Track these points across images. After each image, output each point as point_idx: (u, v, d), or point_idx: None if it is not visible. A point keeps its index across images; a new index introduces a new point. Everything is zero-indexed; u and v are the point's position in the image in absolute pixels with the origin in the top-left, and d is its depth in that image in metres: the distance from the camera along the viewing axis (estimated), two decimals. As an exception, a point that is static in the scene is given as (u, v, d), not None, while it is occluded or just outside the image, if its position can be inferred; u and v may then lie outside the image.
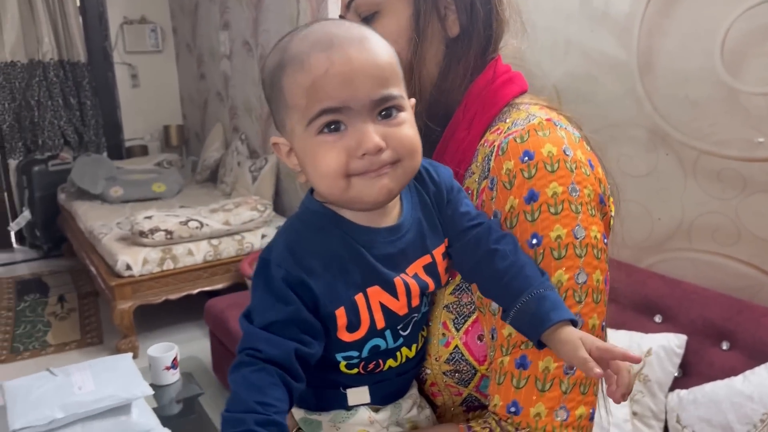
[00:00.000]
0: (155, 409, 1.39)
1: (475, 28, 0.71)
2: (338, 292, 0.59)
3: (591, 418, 0.63)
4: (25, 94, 4.29)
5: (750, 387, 1.34)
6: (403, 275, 0.62)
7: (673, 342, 1.54)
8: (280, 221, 3.23)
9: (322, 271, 0.59)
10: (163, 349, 1.56)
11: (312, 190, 0.65)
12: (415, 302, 0.63)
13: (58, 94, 4.36)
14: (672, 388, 1.52)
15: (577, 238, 0.62)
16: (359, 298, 0.60)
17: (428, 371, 0.69)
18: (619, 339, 1.59)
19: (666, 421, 1.50)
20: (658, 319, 1.63)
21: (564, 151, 0.63)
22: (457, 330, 0.67)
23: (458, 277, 0.68)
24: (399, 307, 0.62)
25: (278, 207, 3.53)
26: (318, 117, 0.57)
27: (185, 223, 2.95)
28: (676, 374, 1.53)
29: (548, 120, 0.66)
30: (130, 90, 4.76)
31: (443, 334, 0.67)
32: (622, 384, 0.52)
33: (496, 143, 0.66)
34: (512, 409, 0.61)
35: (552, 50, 1.95)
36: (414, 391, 0.70)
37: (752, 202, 1.53)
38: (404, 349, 0.65)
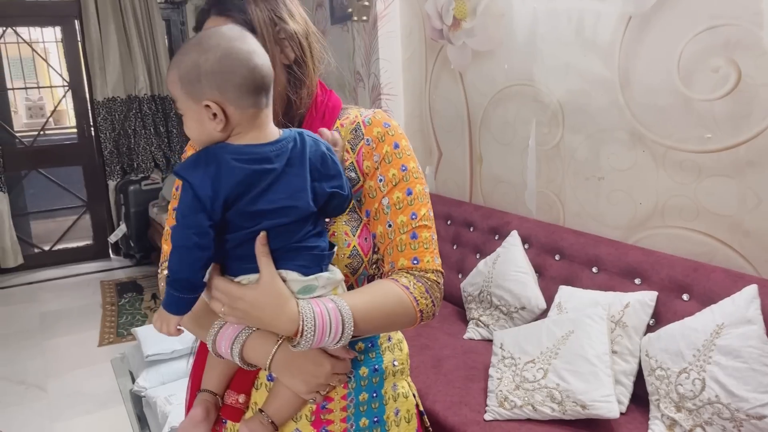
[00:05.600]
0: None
1: (305, 56, 1.00)
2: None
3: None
4: (123, 125, 5.02)
5: (696, 322, 1.74)
6: None
7: (647, 297, 1.94)
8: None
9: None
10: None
11: None
12: None
13: (150, 123, 5.07)
14: (646, 333, 1.92)
15: (416, 168, 1.02)
16: None
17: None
18: (606, 297, 2.01)
19: (639, 358, 1.90)
20: (637, 281, 2.04)
21: (398, 125, 1.04)
22: (354, 235, 1.00)
23: (351, 203, 0.99)
24: None
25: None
26: None
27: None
28: (650, 322, 1.94)
29: (379, 110, 1.04)
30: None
31: (345, 239, 0.99)
32: None
33: (358, 120, 1.02)
34: (415, 262, 0.99)
35: (555, 72, 2.40)
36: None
37: (706, 185, 1.93)
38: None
